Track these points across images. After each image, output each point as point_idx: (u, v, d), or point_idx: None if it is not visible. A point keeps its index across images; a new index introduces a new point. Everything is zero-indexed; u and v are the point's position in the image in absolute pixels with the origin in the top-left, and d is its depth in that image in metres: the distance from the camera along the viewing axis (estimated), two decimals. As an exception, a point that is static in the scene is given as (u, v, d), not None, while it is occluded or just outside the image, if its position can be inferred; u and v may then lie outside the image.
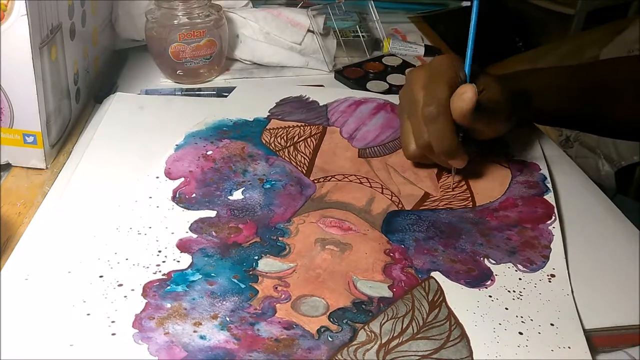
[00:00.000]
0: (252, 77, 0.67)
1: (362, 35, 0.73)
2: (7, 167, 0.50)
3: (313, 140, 0.54)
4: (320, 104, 0.59)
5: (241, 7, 0.71)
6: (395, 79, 0.67)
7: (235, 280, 0.38)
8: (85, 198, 0.45)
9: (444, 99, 0.45)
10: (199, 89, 0.63)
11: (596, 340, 0.36)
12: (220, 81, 0.66)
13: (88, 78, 0.59)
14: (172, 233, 0.42)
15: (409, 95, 0.48)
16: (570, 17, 1.62)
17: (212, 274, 0.39)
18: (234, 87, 0.61)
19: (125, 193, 0.45)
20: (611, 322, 0.37)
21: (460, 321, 0.36)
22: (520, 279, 0.40)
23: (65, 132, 0.54)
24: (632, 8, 1.61)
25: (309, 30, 0.68)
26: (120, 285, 0.38)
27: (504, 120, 0.49)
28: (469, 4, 0.85)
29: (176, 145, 0.51)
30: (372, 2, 0.74)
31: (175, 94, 0.61)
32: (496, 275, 0.40)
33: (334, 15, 0.70)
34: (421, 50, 0.73)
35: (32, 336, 0.34)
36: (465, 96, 0.43)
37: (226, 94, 0.60)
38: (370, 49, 0.73)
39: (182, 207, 0.44)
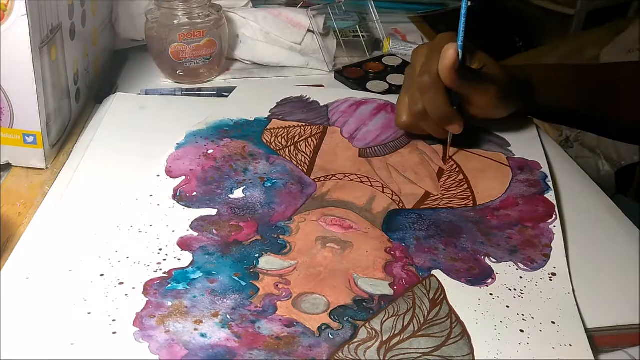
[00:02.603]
0: (252, 77, 0.67)
1: (362, 35, 0.73)
2: (7, 167, 0.50)
3: (314, 140, 0.54)
4: (321, 104, 0.59)
5: (241, 7, 0.71)
6: (395, 79, 0.68)
7: (236, 278, 0.38)
8: (86, 196, 0.45)
9: (437, 68, 0.47)
10: (199, 89, 0.63)
11: (596, 340, 0.36)
12: (220, 81, 0.66)
13: (88, 78, 0.59)
14: (173, 231, 0.42)
15: (410, 71, 0.52)
16: (570, 17, 1.62)
17: (213, 272, 0.39)
18: (234, 87, 0.61)
19: (126, 191, 0.45)
20: (611, 321, 0.37)
21: (462, 319, 0.36)
22: (521, 277, 0.40)
23: (65, 132, 0.54)
24: (632, 8, 1.62)
25: (309, 30, 0.68)
26: (121, 283, 0.37)
27: (496, 95, 0.50)
28: (469, 4, 0.85)
29: (177, 144, 0.51)
30: (372, 2, 0.74)
31: (175, 94, 0.61)
32: (497, 273, 0.40)
33: (334, 15, 0.70)
34: (421, 50, 0.73)
35: (33, 335, 0.34)
36: (447, 53, 0.46)
37: (226, 94, 0.60)
38: (370, 49, 0.73)
39: (182, 205, 0.44)
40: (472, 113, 0.51)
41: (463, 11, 0.48)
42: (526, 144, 0.54)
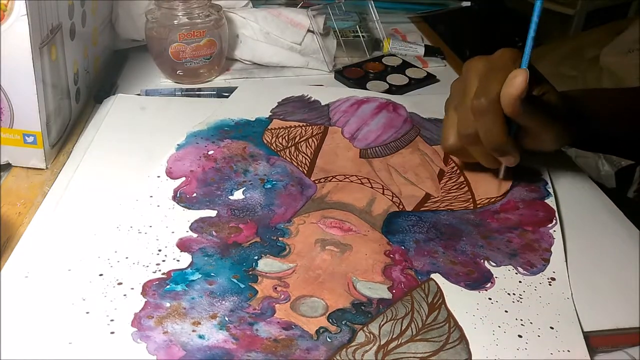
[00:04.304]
0: (252, 77, 0.67)
1: (362, 35, 0.73)
2: (7, 167, 0.50)
3: (314, 140, 0.54)
4: (322, 104, 0.59)
5: (241, 7, 0.71)
6: (395, 79, 0.67)
7: (235, 280, 0.38)
8: (86, 196, 0.45)
9: (497, 91, 0.41)
10: (199, 89, 0.62)
11: (596, 340, 0.36)
12: (220, 81, 0.66)
13: (88, 78, 0.59)
14: (173, 232, 0.42)
15: (462, 85, 0.45)
16: (570, 17, 1.62)
17: (212, 274, 0.39)
18: (235, 87, 0.61)
19: (126, 192, 0.45)
20: (612, 324, 0.37)
21: (460, 323, 0.36)
22: (520, 281, 0.40)
23: (65, 132, 0.54)
24: (632, 8, 1.61)
25: (309, 30, 0.68)
26: (120, 283, 0.38)
27: (557, 128, 0.46)
28: (469, 4, 0.85)
29: (177, 144, 0.51)
30: (372, 2, 0.74)
31: (175, 94, 0.61)
32: (496, 277, 0.40)
33: (334, 15, 0.70)
34: (421, 50, 0.73)
35: (31, 334, 0.34)
36: (515, 81, 0.40)
37: (226, 94, 0.60)
38: (370, 49, 0.73)
39: (182, 206, 0.44)
40: (525, 144, 0.46)
41: (532, 29, 0.43)
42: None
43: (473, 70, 0.45)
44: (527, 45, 0.44)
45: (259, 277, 0.39)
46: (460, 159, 0.50)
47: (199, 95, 0.62)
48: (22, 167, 0.50)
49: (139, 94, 0.61)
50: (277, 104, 0.58)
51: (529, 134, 0.45)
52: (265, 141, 0.53)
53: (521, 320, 0.37)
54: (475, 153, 0.46)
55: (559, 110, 0.45)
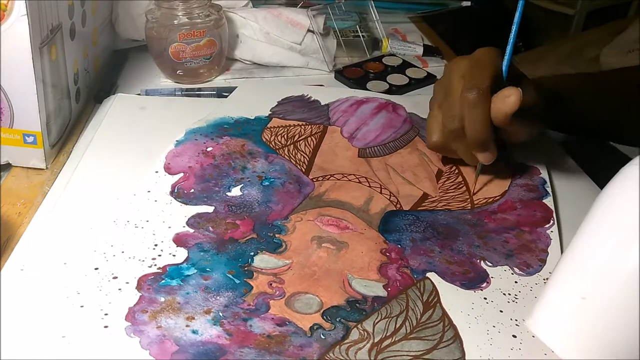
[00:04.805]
0: (252, 77, 0.67)
1: (362, 35, 0.73)
2: (7, 167, 0.50)
3: (313, 139, 0.54)
4: (322, 103, 0.59)
5: (241, 7, 0.71)
6: (395, 79, 0.67)
7: (230, 276, 0.38)
8: (86, 196, 0.45)
9: (486, 87, 0.44)
10: (199, 89, 0.63)
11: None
12: (220, 81, 0.66)
13: (88, 78, 0.60)
14: (169, 227, 0.42)
15: (446, 84, 0.47)
16: (570, 17, 1.61)
17: (207, 269, 0.39)
18: (234, 87, 0.61)
19: (123, 186, 0.45)
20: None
21: (454, 322, 0.36)
22: (516, 282, 0.40)
23: (65, 132, 0.54)
24: (632, 8, 1.61)
25: (309, 30, 0.68)
26: (115, 277, 0.38)
27: (535, 125, 0.49)
28: (469, 3, 0.85)
29: (176, 140, 0.51)
30: (372, 2, 0.74)
31: (175, 94, 0.62)
32: (492, 277, 0.40)
33: (334, 15, 0.70)
34: (420, 50, 0.73)
35: (25, 326, 0.34)
36: (509, 100, 0.43)
37: (226, 94, 0.61)
38: (370, 49, 0.73)
39: (180, 201, 0.44)
40: (506, 139, 0.48)
41: (515, 28, 0.45)
42: (525, 148, 0.54)
43: (456, 69, 0.47)
44: (509, 43, 0.46)
45: (254, 273, 0.39)
46: (442, 154, 0.51)
47: (199, 95, 0.62)
48: (22, 167, 0.50)
49: (139, 94, 0.61)
50: (276, 103, 0.58)
51: (507, 132, 0.46)
52: (264, 139, 0.53)
53: (516, 320, 0.37)
54: (458, 149, 0.48)
55: (538, 108, 0.47)
